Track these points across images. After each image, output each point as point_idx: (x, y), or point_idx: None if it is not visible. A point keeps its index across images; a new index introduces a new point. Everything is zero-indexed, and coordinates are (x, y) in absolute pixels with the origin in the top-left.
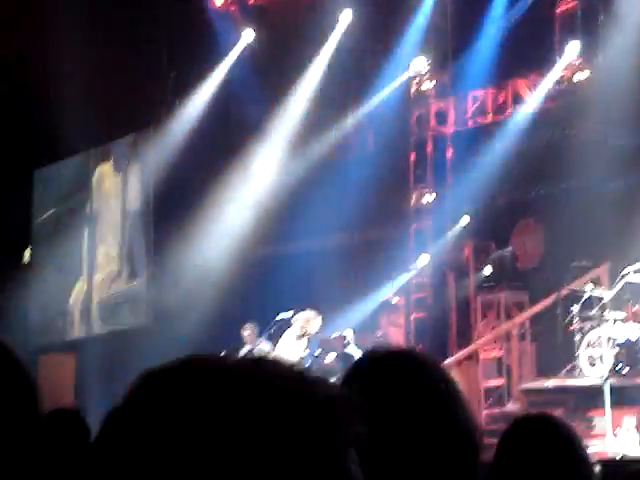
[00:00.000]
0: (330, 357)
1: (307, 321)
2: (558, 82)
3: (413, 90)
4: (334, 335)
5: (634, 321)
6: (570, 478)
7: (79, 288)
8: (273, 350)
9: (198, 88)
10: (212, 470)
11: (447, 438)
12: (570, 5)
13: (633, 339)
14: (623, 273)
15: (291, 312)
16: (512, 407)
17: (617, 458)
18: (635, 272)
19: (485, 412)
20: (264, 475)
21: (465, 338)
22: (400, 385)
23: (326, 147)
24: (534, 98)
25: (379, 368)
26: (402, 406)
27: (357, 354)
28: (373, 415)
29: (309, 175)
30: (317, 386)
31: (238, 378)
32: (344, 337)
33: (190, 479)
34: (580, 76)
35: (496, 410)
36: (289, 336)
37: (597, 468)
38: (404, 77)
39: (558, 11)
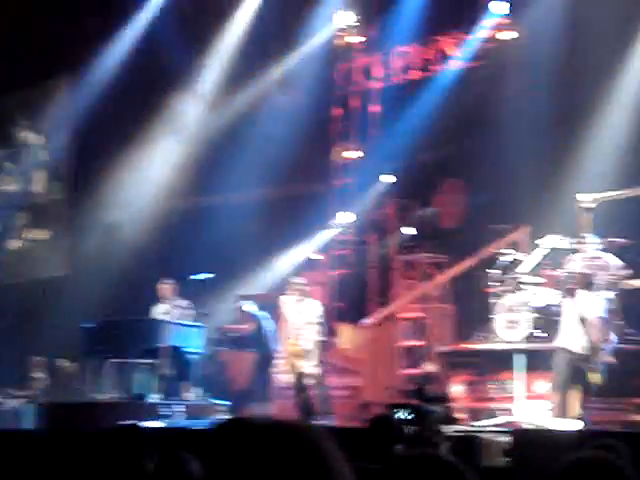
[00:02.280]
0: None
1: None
2: (485, 41)
3: (339, 44)
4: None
5: (551, 286)
6: None
7: None
8: (191, 307)
9: (120, 36)
10: None
11: None
12: None
13: (549, 304)
14: (542, 239)
15: (208, 275)
16: (429, 368)
17: (527, 427)
18: (553, 238)
19: (403, 372)
20: None
21: (385, 297)
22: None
23: (250, 99)
24: (460, 56)
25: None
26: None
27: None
28: None
29: (232, 127)
30: None
31: None
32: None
33: None
34: (507, 36)
35: (414, 370)
36: None
37: (507, 438)
38: (330, 30)
39: None
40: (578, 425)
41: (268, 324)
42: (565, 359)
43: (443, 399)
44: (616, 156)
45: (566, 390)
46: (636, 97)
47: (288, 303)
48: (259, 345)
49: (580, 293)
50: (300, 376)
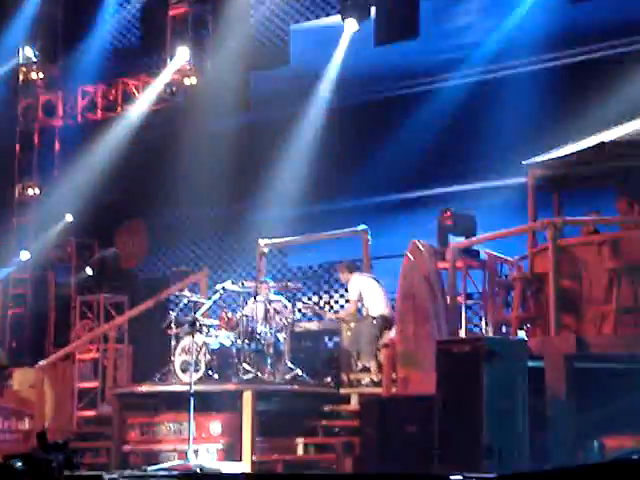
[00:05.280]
0: None
1: None
2: (168, 85)
3: (21, 79)
4: None
5: (227, 328)
6: None
7: None
8: None
9: None
10: None
11: None
12: (182, 10)
13: (225, 345)
14: (221, 283)
15: None
16: (105, 410)
17: (197, 471)
18: (231, 281)
19: (78, 414)
20: None
21: (63, 338)
22: None
23: None
24: (144, 98)
25: None
26: None
27: None
28: None
29: None
30: None
31: None
32: None
33: None
34: (189, 81)
35: (90, 412)
36: None
37: None
38: (11, 65)
39: (170, 14)
40: (245, 467)
41: None
42: None
43: (63, 445)
44: (287, 205)
45: None
46: (307, 150)
47: None
48: None
49: None
50: None
